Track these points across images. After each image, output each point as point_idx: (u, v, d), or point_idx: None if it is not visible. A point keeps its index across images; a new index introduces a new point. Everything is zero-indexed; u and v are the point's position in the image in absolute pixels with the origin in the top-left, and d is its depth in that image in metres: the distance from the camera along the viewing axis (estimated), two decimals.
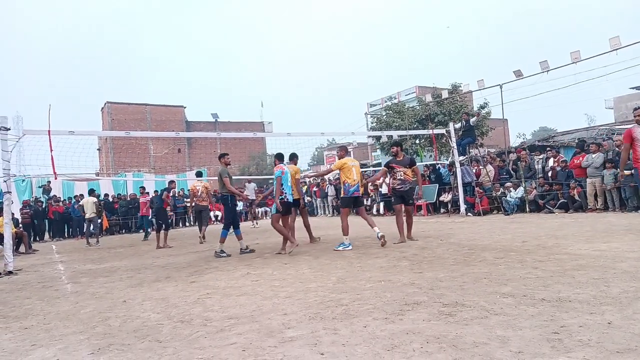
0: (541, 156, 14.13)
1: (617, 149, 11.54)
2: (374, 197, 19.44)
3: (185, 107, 50.15)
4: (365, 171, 23.25)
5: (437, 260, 5.95)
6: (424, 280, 4.73)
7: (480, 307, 3.53)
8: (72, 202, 19.57)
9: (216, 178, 8.93)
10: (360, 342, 2.93)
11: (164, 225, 11.69)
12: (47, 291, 6.01)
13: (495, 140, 31.54)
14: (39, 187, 21.82)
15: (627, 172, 10.85)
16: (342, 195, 8.60)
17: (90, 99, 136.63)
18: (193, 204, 13.06)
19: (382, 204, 18.66)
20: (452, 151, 14.63)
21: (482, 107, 25.47)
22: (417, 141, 25.45)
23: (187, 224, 22.51)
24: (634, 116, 7.40)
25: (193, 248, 10.59)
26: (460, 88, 25.40)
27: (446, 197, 15.52)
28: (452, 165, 15.20)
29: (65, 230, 19.79)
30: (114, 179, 27.57)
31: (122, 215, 20.81)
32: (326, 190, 21.64)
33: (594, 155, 11.72)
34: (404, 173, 8.43)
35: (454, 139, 14.48)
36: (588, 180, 11.78)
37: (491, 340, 2.78)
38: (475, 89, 22.13)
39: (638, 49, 15.73)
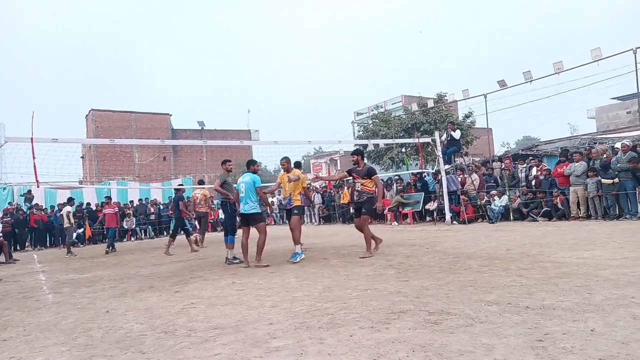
0: (525, 165, 14.31)
1: (603, 157, 11.74)
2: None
3: (171, 115, 49.88)
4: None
5: (423, 269, 5.97)
6: (410, 288, 4.74)
7: (465, 315, 3.55)
8: (55, 210, 19.27)
9: (210, 186, 8.95)
10: (346, 351, 2.92)
11: (188, 231, 12.35)
12: (28, 302, 5.89)
13: (479, 149, 31.89)
14: (21, 195, 21.46)
15: (608, 181, 11.08)
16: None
17: (75, 106, 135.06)
18: (194, 211, 13.33)
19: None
20: (438, 160, 14.74)
21: (467, 117, 25.80)
22: (403, 149, 25.63)
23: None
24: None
25: (182, 257, 10.48)
26: (445, 97, 25.69)
27: (432, 206, 15.60)
28: (437, 173, 15.30)
29: (47, 239, 19.46)
30: (97, 187, 27.23)
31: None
32: (312, 199, 21.63)
33: (576, 164, 11.90)
34: (361, 184, 8.05)
35: (439, 148, 14.60)
36: (571, 188, 11.95)
37: (476, 348, 2.79)
38: (460, 98, 22.43)
39: (619, 60, 16.11)
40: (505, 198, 13.43)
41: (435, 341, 2.97)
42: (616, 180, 10.93)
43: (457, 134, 15.04)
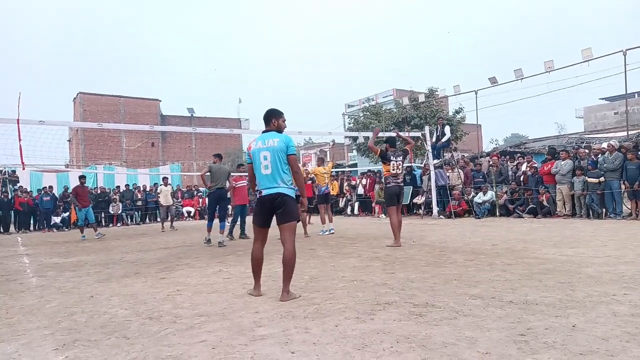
0: (515, 163, 14.43)
1: (593, 157, 11.87)
2: (349, 197, 19.52)
3: (160, 101, 49.30)
4: (343, 171, 23.35)
5: (409, 261, 6.01)
6: (396, 280, 4.78)
7: (449, 308, 3.58)
8: (41, 194, 19.05)
9: (191, 173, 9.01)
10: (331, 341, 2.94)
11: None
12: (11, 285, 5.82)
13: (468, 145, 32.04)
14: (6, 178, 21.15)
15: (594, 180, 11.22)
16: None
17: (62, 88, 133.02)
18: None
19: (357, 204, 18.78)
20: (427, 154, 14.80)
21: (457, 112, 25.87)
22: None
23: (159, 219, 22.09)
24: None
25: (169, 243, 10.43)
26: (436, 92, 25.74)
27: (420, 200, 15.69)
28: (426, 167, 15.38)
29: (32, 222, 19.24)
30: (84, 171, 26.95)
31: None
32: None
33: (562, 162, 12.03)
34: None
35: (428, 142, 14.66)
36: (557, 186, 12.09)
37: (460, 340, 2.82)
38: (451, 94, 22.53)
39: (609, 60, 16.26)
40: (490, 193, 13.55)
41: (420, 333, 3.00)
42: (602, 179, 11.08)
43: (447, 130, 15.11)
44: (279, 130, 4.44)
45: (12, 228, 18.42)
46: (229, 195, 10.48)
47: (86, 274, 6.41)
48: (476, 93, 20.82)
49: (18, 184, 19.93)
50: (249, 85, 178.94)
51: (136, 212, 21.32)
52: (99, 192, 21.03)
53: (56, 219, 18.52)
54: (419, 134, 16.14)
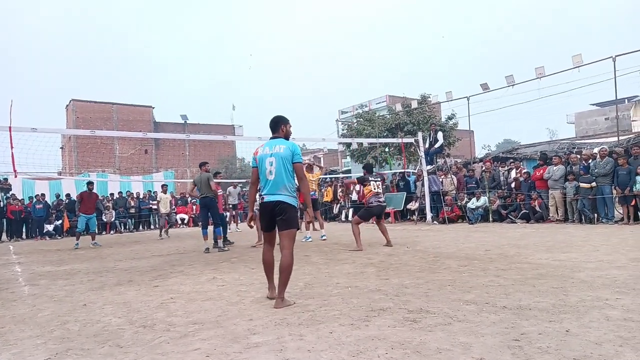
0: (505, 168, 14.52)
1: (584, 162, 11.94)
2: (343, 203, 19.53)
3: (153, 108, 49.20)
4: (336, 177, 23.36)
5: (403, 267, 6.02)
6: (390, 286, 4.78)
7: (444, 313, 3.59)
8: (34, 201, 18.92)
9: (184, 180, 9.06)
10: (325, 348, 2.93)
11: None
12: (3, 293, 5.77)
13: (461, 150, 32.22)
14: None
15: (586, 185, 11.30)
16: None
17: (55, 96, 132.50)
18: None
19: (351, 210, 18.77)
20: (420, 160, 14.86)
21: (449, 118, 26.01)
22: (387, 149, 25.75)
23: (152, 226, 22.01)
24: None
25: (162, 251, 10.38)
26: (429, 99, 25.89)
27: (413, 205, 15.73)
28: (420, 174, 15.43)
29: (24, 230, 19.08)
30: (77, 178, 26.79)
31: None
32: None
33: (555, 168, 12.11)
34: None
35: (422, 148, 14.72)
36: (549, 191, 12.17)
37: (454, 346, 2.83)
38: (444, 100, 22.66)
39: (599, 67, 16.44)
40: (483, 199, 13.61)
41: (414, 339, 3.01)
42: (594, 184, 11.16)
43: (440, 136, 15.18)
44: (287, 136, 4.51)
45: (4, 236, 18.26)
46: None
47: (79, 282, 6.36)
48: (468, 99, 20.97)
49: (10, 192, 19.77)
50: (242, 92, 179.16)
51: (129, 220, 21.20)
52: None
53: (49, 227, 18.40)
54: (412, 140, 16.21)
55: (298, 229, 4.52)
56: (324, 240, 10.45)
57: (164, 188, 16.01)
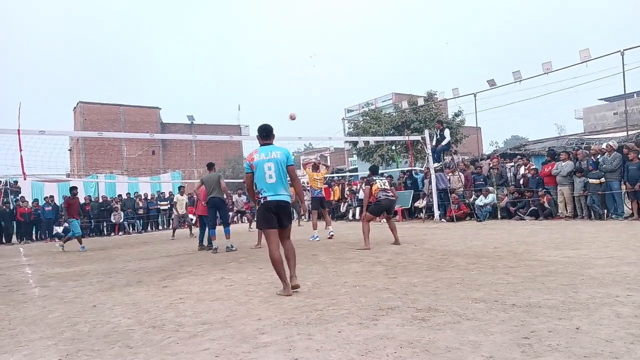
0: (512, 164, 14.44)
1: (593, 158, 11.86)
2: (350, 202, 19.51)
3: (160, 109, 49.42)
4: (343, 176, 23.36)
5: (411, 266, 6.00)
6: (398, 285, 4.77)
7: (452, 312, 3.58)
8: (43, 204, 19.08)
9: (191, 181, 9.10)
10: (334, 347, 2.93)
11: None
12: (14, 295, 5.82)
13: (468, 147, 32.06)
14: (7, 188, 21.18)
15: (595, 181, 11.21)
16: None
17: (62, 98, 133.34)
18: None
19: (358, 209, 18.78)
20: (427, 158, 14.81)
21: (456, 115, 25.91)
22: (393, 147, 25.70)
23: (161, 227, 22.12)
24: None
25: (170, 252, 10.43)
26: (435, 96, 25.79)
27: (421, 203, 15.68)
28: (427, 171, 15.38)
29: (34, 232, 19.25)
30: (85, 180, 27.00)
31: (94, 218, 20.35)
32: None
33: (563, 164, 12.02)
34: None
35: (429, 146, 14.67)
36: (558, 188, 12.08)
37: (463, 345, 2.82)
38: (450, 97, 22.56)
39: (607, 61, 16.28)
40: (491, 196, 13.54)
41: (423, 338, 3.00)
42: (603, 180, 11.07)
43: (447, 133, 15.12)
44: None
45: (14, 238, 18.45)
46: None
47: (89, 283, 6.41)
48: (475, 96, 20.84)
49: (20, 195, 19.96)
50: (249, 92, 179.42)
51: (138, 221, 21.33)
52: (100, 201, 21.08)
53: (58, 229, 18.53)
54: (418, 137, 16.16)
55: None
56: (331, 236, 10.48)
57: (182, 190, 16.04)
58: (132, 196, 21.88)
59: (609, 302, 3.60)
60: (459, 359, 2.59)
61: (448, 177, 14.90)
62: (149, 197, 22.19)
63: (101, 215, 20.34)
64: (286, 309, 4.03)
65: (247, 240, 11.60)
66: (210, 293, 5.07)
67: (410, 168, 18.29)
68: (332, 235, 10.58)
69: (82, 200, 20.90)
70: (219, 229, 9.75)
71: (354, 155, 36.10)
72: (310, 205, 11.43)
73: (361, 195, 18.44)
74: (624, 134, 17.06)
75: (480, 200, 13.62)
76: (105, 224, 20.43)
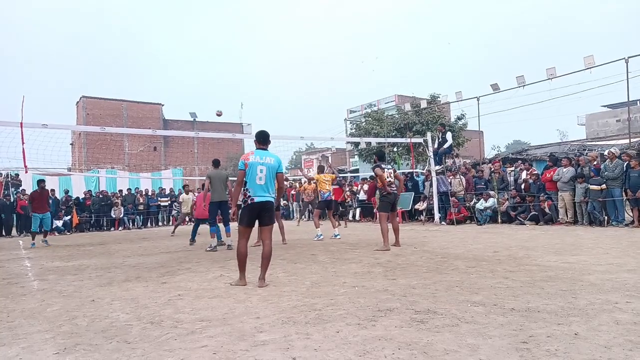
0: (513, 169, 14.42)
1: (593, 164, 11.84)
2: (350, 202, 19.51)
3: (163, 105, 49.50)
4: (344, 177, 23.35)
5: (411, 268, 6.00)
6: (397, 287, 4.77)
7: (451, 315, 3.58)
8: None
9: (193, 177, 9.04)
10: (332, 347, 2.93)
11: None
12: (12, 288, 5.83)
13: (470, 151, 32.07)
14: (8, 180, 21.21)
15: (596, 187, 11.20)
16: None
17: (65, 92, 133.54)
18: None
19: (358, 210, 18.80)
20: (429, 160, 14.81)
21: (459, 119, 25.89)
22: (395, 149, 25.70)
23: (161, 223, 22.12)
24: None
25: (170, 248, 10.43)
26: (438, 99, 25.78)
27: (421, 206, 15.67)
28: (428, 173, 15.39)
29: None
30: (86, 174, 27.00)
31: (94, 212, 20.35)
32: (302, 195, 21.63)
33: (564, 170, 12.01)
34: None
35: (430, 148, 14.66)
36: (559, 193, 12.07)
37: (461, 348, 2.82)
38: (453, 100, 22.55)
39: (611, 68, 16.27)
40: (492, 200, 13.53)
41: (421, 340, 3.00)
42: (604, 186, 11.06)
43: (448, 136, 15.11)
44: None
45: (13, 231, 18.46)
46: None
47: (87, 277, 6.41)
48: (478, 99, 20.82)
49: (20, 188, 19.97)
50: (251, 90, 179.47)
51: (138, 216, 21.33)
52: (100, 196, 21.09)
53: (58, 223, 18.52)
54: (420, 140, 16.15)
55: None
56: (337, 239, 10.48)
57: (187, 189, 16.00)
58: (132, 192, 21.89)
59: (608, 309, 3.59)
60: None
61: (449, 180, 14.89)
62: (150, 193, 22.19)
63: (101, 210, 20.34)
64: (285, 308, 4.03)
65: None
66: (209, 290, 5.07)
67: (411, 170, 18.29)
68: (338, 237, 10.60)
69: (82, 195, 21.00)
70: (220, 226, 9.75)
71: (355, 156, 36.11)
72: (317, 207, 11.57)
73: (362, 196, 18.50)
74: (627, 141, 17.04)
75: (481, 204, 13.62)
76: (105, 219, 20.43)
